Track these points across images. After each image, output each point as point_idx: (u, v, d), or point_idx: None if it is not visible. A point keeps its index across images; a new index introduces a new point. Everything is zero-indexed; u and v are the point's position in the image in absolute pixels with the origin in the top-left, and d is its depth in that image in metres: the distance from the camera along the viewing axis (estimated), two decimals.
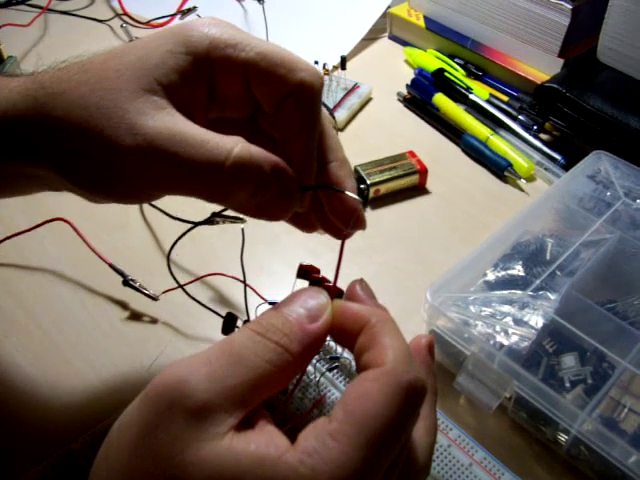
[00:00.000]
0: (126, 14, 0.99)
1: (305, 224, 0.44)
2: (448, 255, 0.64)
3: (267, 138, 0.40)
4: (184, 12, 0.96)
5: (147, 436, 0.28)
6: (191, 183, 0.35)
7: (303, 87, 0.37)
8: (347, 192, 0.38)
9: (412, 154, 0.72)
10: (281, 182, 0.36)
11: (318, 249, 0.63)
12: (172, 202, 0.63)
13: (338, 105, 0.81)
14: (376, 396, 0.29)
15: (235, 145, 0.34)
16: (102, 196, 0.38)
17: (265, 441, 0.28)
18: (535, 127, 0.77)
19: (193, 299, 0.53)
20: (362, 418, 0.28)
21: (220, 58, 0.37)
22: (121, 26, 0.94)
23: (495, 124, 0.79)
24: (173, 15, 0.96)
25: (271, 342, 0.31)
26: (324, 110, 0.40)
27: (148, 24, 0.97)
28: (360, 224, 0.39)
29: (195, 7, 0.98)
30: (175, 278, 0.52)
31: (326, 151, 0.39)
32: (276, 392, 0.31)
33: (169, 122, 0.35)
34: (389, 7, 0.98)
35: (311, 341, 0.32)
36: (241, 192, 0.35)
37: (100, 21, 1.00)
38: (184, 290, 0.53)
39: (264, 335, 0.31)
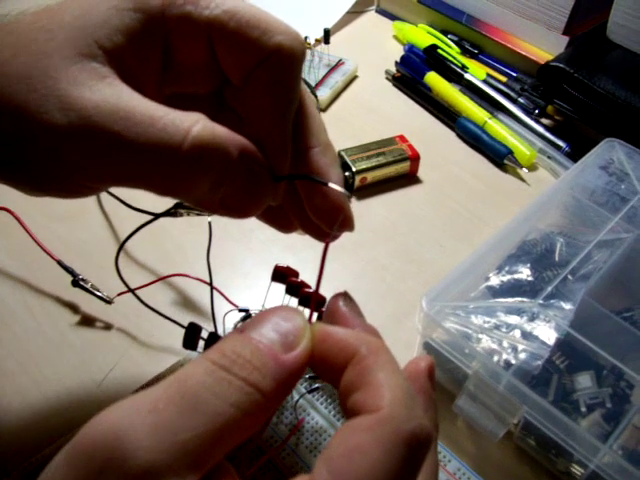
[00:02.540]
0: None
1: (282, 223, 0.38)
2: (442, 252, 0.58)
3: (236, 118, 0.33)
4: None
5: None
6: (138, 172, 0.28)
7: (280, 53, 0.30)
8: (331, 184, 0.31)
9: (402, 139, 0.65)
10: (250, 170, 0.30)
11: (297, 246, 0.57)
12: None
13: (320, 83, 0.75)
14: (371, 451, 0.23)
15: (194, 123, 0.28)
16: (31, 190, 0.31)
17: None
18: (537, 111, 0.71)
19: (147, 307, 0.46)
20: None
21: (178, 17, 0.30)
22: None
23: (493, 107, 0.72)
24: None
25: (238, 379, 0.24)
26: (304, 85, 0.33)
27: None
28: (347, 224, 0.33)
29: None
30: (124, 281, 0.45)
31: (306, 134, 0.33)
32: (242, 442, 0.25)
33: (111, 94, 0.28)
34: None
35: (287, 376, 0.26)
36: (201, 182, 0.28)
37: None
38: (136, 296, 0.46)
39: (229, 370, 0.24)
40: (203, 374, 0.24)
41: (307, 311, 0.30)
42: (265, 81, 0.30)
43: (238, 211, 0.31)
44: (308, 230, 0.36)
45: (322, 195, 0.32)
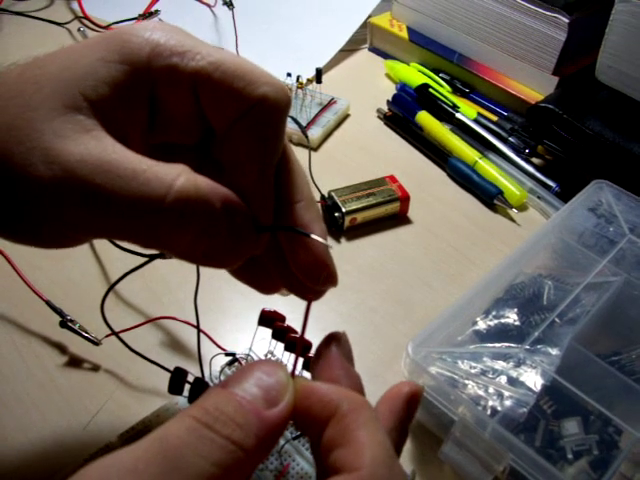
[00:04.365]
0: (86, 17, 0.92)
1: (263, 284, 0.37)
2: (432, 294, 0.57)
3: (221, 168, 0.33)
4: (145, 16, 0.88)
5: None
6: (121, 224, 0.28)
7: (265, 103, 0.30)
8: (313, 235, 0.31)
9: (392, 179, 0.65)
10: (233, 221, 0.29)
11: None
12: None
13: (312, 122, 0.75)
14: None
15: (177, 176, 0.27)
16: (15, 240, 0.31)
17: None
18: (527, 150, 0.71)
19: (133, 351, 0.46)
20: None
21: (164, 68, 0.30)
22: (78, 30, 0.86)
23: (484, 146, 0.73)
24: (135, 19, 0.88)
25: (220, 437, 0.24)
26: (290, 132, 0.33)
27: (108, 28, 0.90)
28: (329, 279, 0.33)
29: (157, 11, 0.90)
30: (109, 325, 0.45)
31: (290, 188, 0.33)
32: None
33: (95, 147, 0.28)
34: (370, 17, 0.93)
35: (269, 433, 0.25)
36: (184, 235, 0.28)
37: (58, 24, 0.93)
38: (121, 340, 0.46)
39: (211, 427, 0.24)
40: (185, 432, 0.24)
41: (293, 356, 0.30)
42: (249, 131, 0.30)
43: (220, 262, 0.31)
44: (291, 287, 0.35)
45: (305, 248, 0.32)
